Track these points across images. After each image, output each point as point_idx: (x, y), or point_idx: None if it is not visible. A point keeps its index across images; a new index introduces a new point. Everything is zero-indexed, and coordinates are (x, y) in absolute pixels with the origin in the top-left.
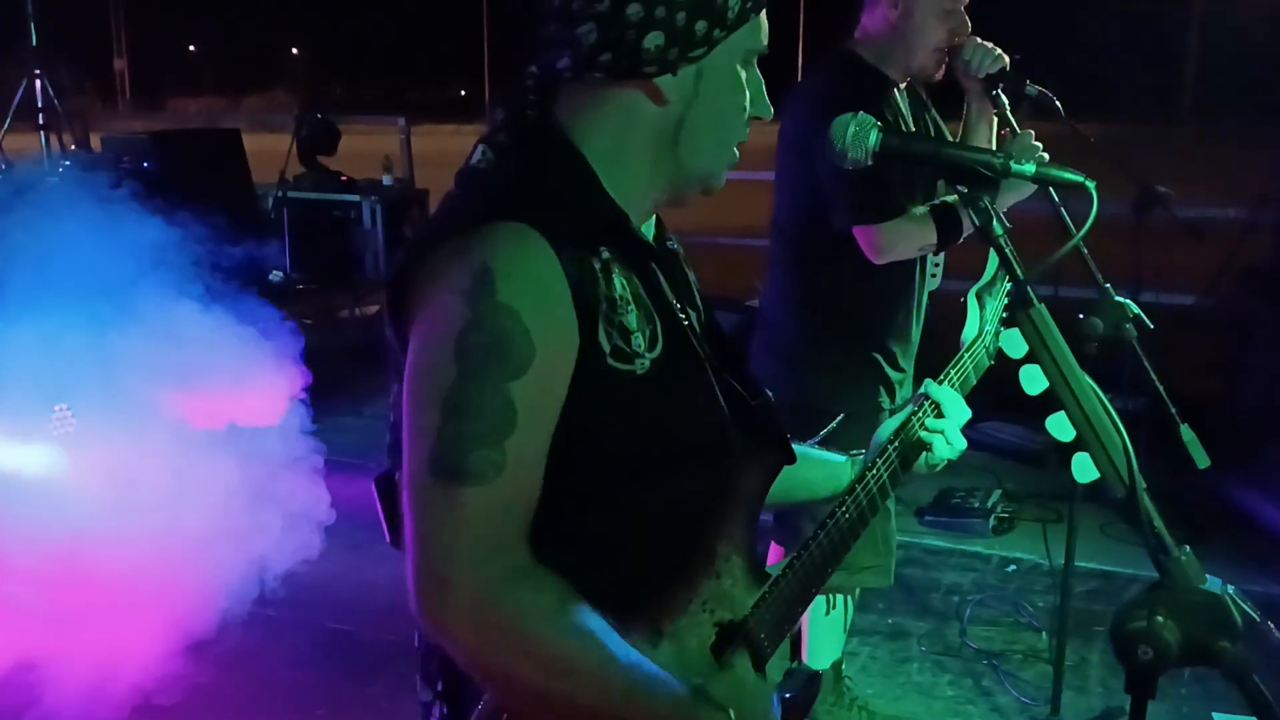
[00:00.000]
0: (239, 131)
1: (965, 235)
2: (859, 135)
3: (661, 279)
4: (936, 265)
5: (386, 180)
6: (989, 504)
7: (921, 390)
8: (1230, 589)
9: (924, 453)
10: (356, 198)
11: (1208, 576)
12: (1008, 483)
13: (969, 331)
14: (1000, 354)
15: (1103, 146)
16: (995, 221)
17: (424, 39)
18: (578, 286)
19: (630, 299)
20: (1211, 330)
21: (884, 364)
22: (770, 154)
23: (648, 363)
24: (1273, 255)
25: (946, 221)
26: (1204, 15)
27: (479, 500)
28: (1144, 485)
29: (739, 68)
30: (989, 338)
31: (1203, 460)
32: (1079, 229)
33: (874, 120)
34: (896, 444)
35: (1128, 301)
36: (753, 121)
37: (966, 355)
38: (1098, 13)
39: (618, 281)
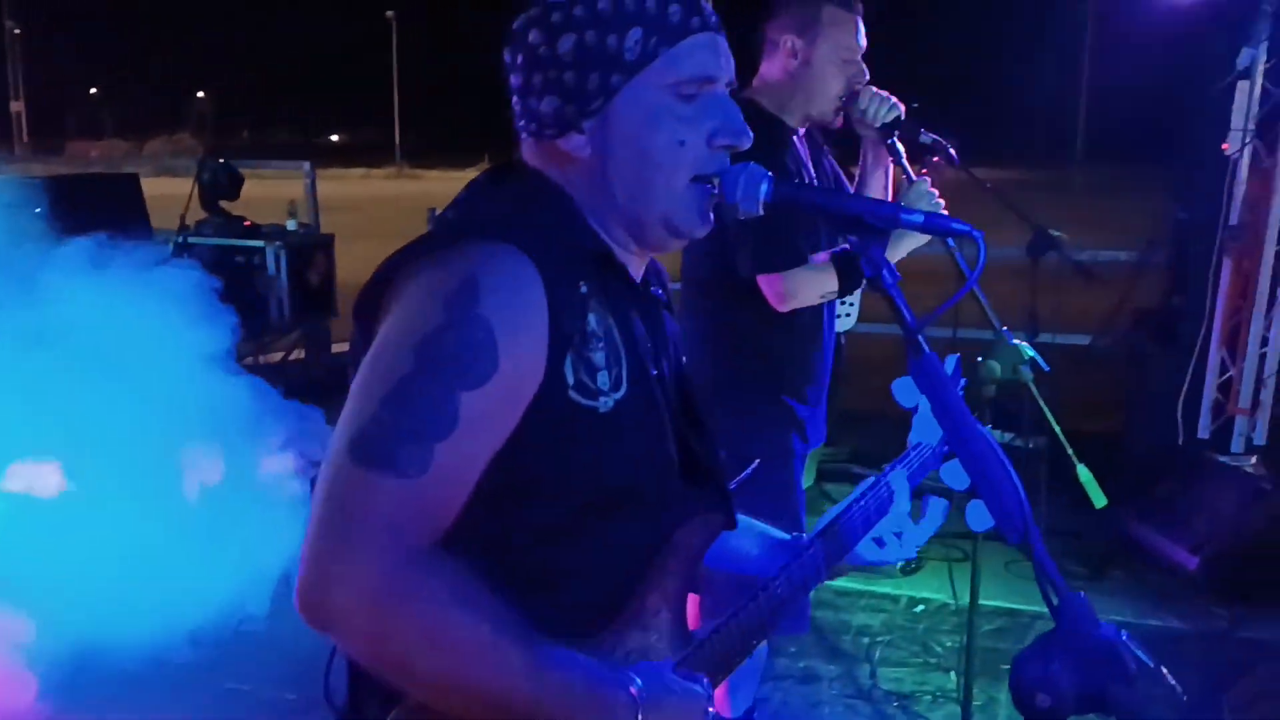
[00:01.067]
0: (137, 176)
1: (864, 284)
2: (749, 187)
3: (638, 323)
4: (850, 305)
5: (291, 225)
6: None
7: (876, 477)
8: (1124, 634)
9: (868, 538)
10: (260, 243)
11: (1102, 622)
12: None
13: (916, 433)
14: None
15: (998, 192)
16: (886, 271)
17: (335, 83)
18: (555, 315)
19: (602, 336)
20: (1106, 369)
21: (795, 405)
22: None
23: (610, 402)
24: (1162, 296)
25: (847, 268)
26: (1093, 66)
27: (394, 492)
28: (1038, 533)
29: (671, 102)
30: (935, 439)
31: (1099, 500)
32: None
33: (764, 171)
34: (840, 521)
35: (1024, 345)
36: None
37: (915, 454)
38: (992, 63)
39: (593, 317)
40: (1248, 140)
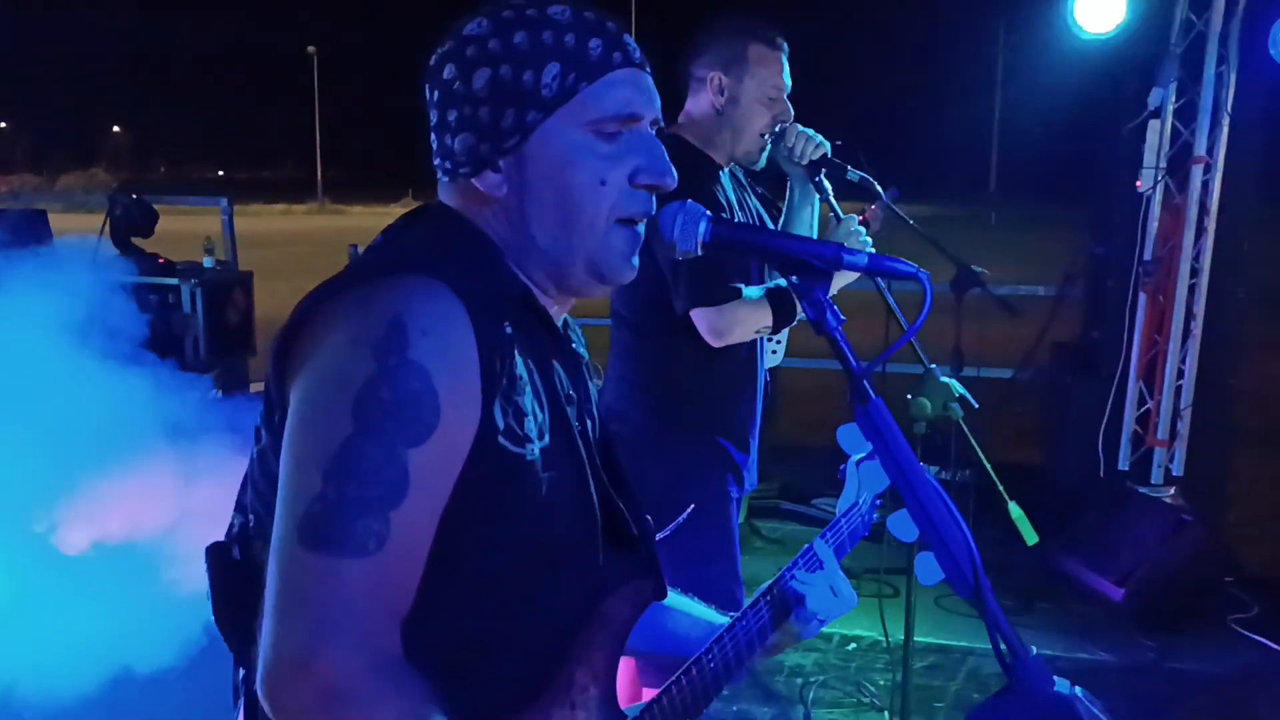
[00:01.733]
0: (44, 212)
1: (800, 317)
2: (687, 225)
3: (561, 373)
4: (778, 342)
5: (208, 263)
6: None
7: (805, 548)
8: (1079, 690)
9: (797, 607)
10: (175, 281)
11: (1055, 679)
12: (844, 560)
13: (845, 499)
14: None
15: (922, 230)
16: (829, 313)
17: (255, 119)
18: (486, 355)
19: (528, 381)
20: (1027, 401)
21: (730, 449)
22: None
23: (536, 451)
24: (1080, 329)
25: (781, 303)
26: (1005, 106)
27: (355, 574)
28: (989, 586)
29: (591, 140)
30: (865, 507)
31: (1031, 537)
32: (902, 307)
33: (702, 210)
34: (769, 596)
35: (953, 381)
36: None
37: (844, 521)
38: (906, 100)
39: (519, 361)
40: (1160, 178)
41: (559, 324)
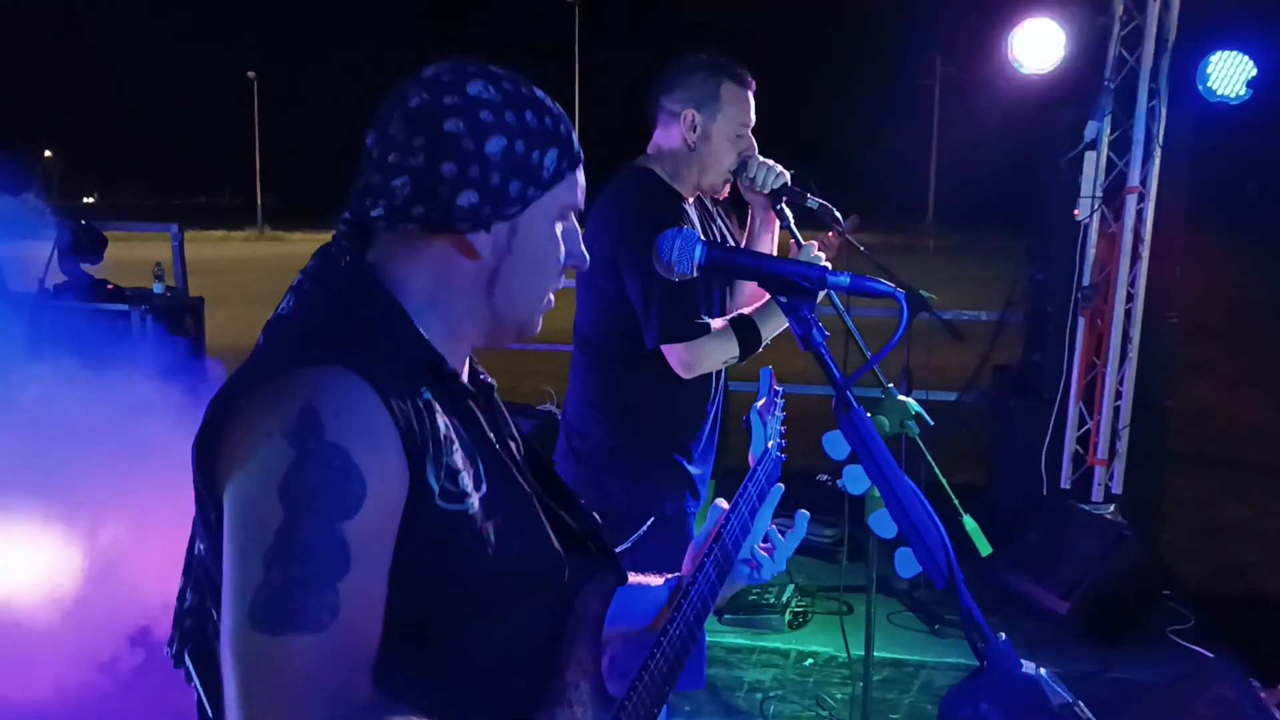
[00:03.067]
0: None
1: (764, 345)
2: (684, 250)
3: (480, 417)
4: (736, 360)
5: (158, 289)
6: (783, 599)
7: (722, 505)
8: (1044, 671)
9: (740, 564)
10: (125, 307)
11: (1022, 660)
12: (800, 578)
13: (756, 447)
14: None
15: (872, 256)
16: (815, 330)
17: (192, 144)
18: (404, 426)
19: (455, 438)
20: (973, 423)
21: (686, 465)
22: None
23: (475, 502)
24: (1022, 353)
25: (747, 334)
26: (942, 139)
27: (312, 649)
28: (963, 578)
29: (555, 222)
30: (775, 451)
31: (985, 548)
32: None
33: (698, 236)
34: (712, 557)
35: (909, 400)
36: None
37: (760, 469)
38: (844, 131)
39: (441, 421)
40: (1096, 207)
41: (464, 367)
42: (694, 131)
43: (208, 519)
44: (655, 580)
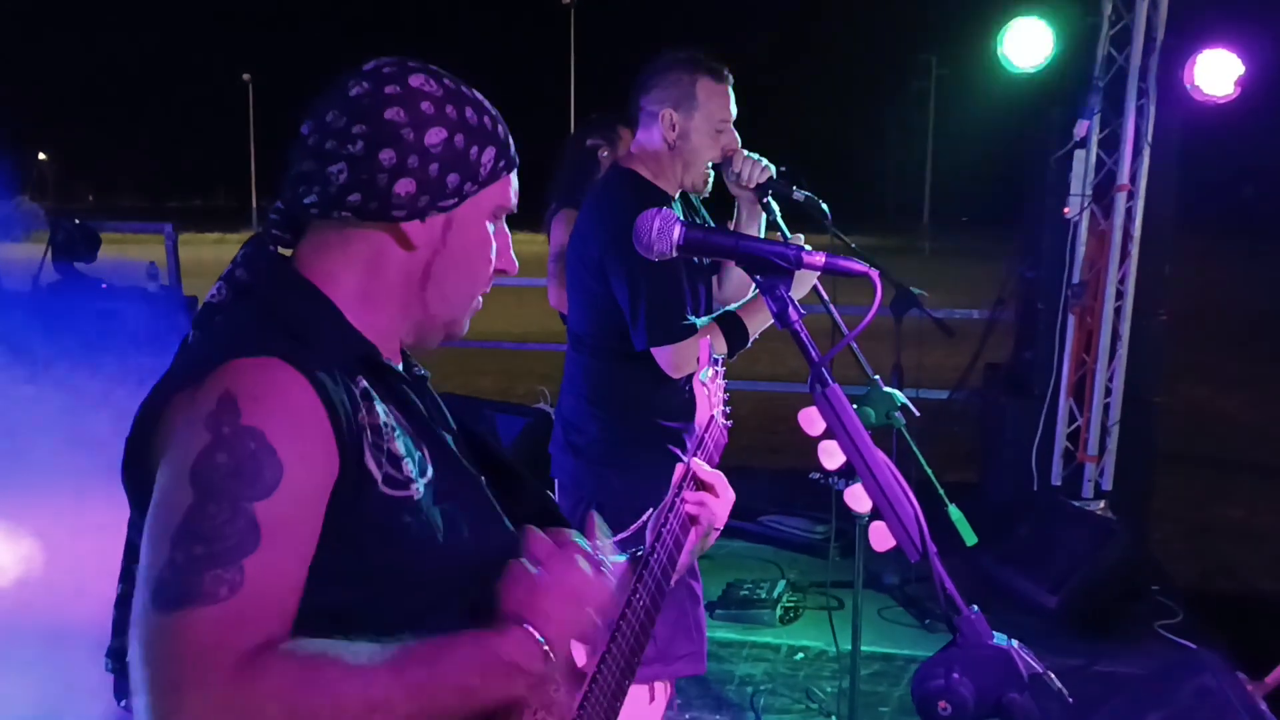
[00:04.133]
0: None
1: (752, 340)
2: (663, 230)
3: (420, 405)
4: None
5: (152, 289)
6: (774, 594)
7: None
8: (1014, 643)
9: (693, 529)
10: (118, 306)
11: (995, 633)
12: (791, 573)
13: (700, 414)
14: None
15: (862, 252)
16: (791, 308)
17: (186, 146)
18: (334, 412)
19: (395, 426)
20: (963, 421)
21: (682, 455)
22: (538, 263)
23: (421, 488)
24: (1012, 351)
25: (734, 330)
26: (936, 140)
27: (207, 620)
28: (935, 550)
29: (488, 221)
30: (720, 418)
31: (970, 538)
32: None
33: (676, 216)
34: (668, 523)
35: (895, 392)
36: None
37: (706, 436)
38: (839, 135)
39: (379, 409)
40: (1086, 205)
41: (398, 359)
42: (673, 130)
43: (136, 526)
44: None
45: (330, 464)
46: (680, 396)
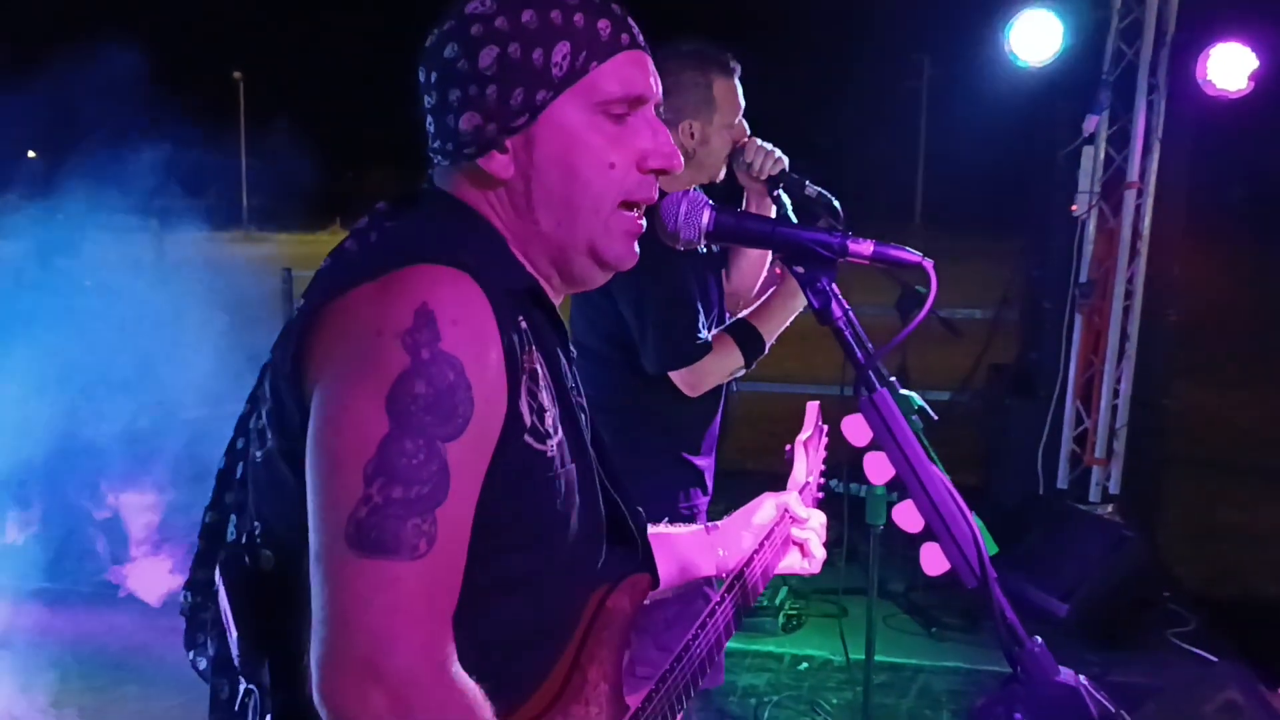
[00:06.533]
0: None
1: (769, 346)
2: (691, 214)
3: (565, 365)
4: None
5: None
6: (777, 602)
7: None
8: (1083, 679)
9: (791, 554)
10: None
11: (1061, 668)
12: (792, 580)
13: (796, 478)
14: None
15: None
16: (834, 303)
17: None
18: (509, 348)
19: (542, 375)
20: (968, 423)
21: (694, 460)
22: None
23: (554, 445)
24: (1017, 352)
25: (748, 340)
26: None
27: (411, 576)
28: (995, 577)
29: (600, 121)
30: (814, 482)
31: (992, 547)
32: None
33: (705, 199)
34: (743, 575)
35: (913, 394)
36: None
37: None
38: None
39: (536, 354)
40: (1094, 202)
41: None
42: (693, 139)
43: (285, 419)
44: (697, 527)
45: (502, 407)
46: (692, 404)
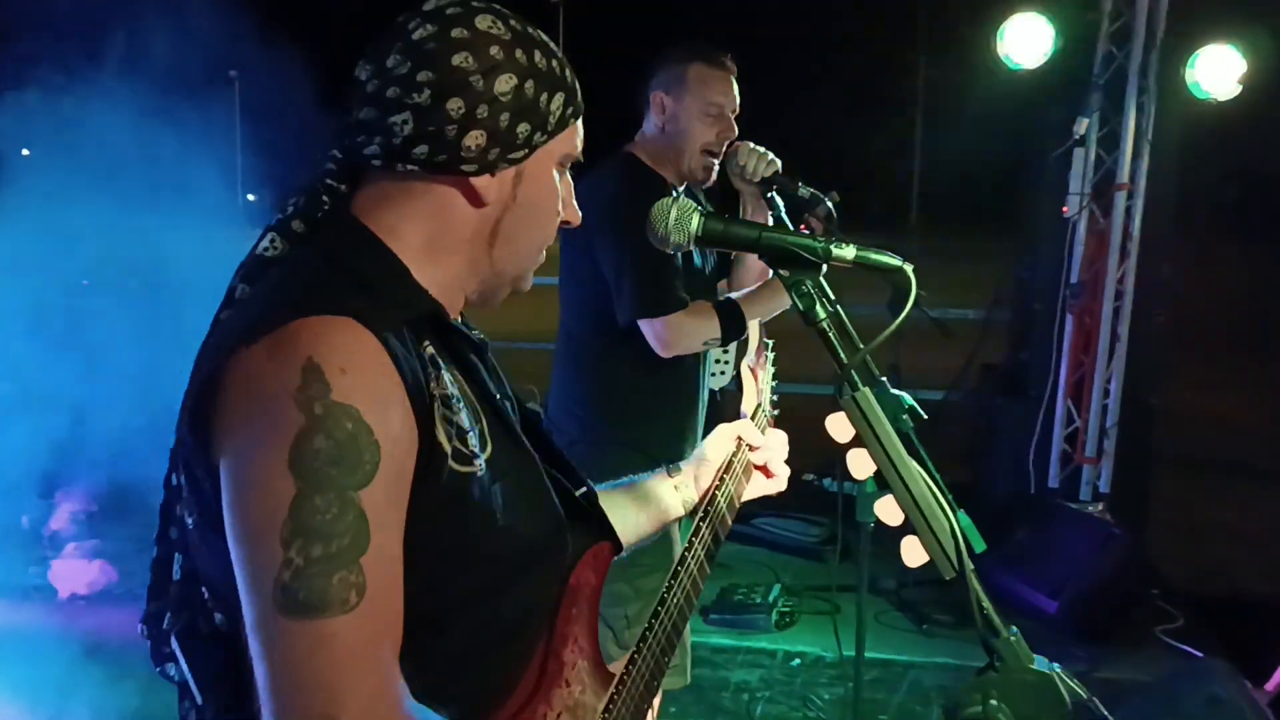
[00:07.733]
0: None
1: (746, 335)
2: (681, 219)
3: (480, 370)
4: (725, 363)
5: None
6: (770, 599)
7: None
8: (1057, 667)
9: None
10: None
11: (1035, 656)
12: (786, 577)
13: (747, 403)
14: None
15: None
16: (818, 305)
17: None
18: (411, 382)
19: (459, 396)
20: (959, 423)
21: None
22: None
23: (483, 464)
24: (1008, 352)
25: (730, 317)
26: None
27: (348, 630)
28: (972, 567)
29: (556, 173)
30: (767, 403)
31: (979, 545)
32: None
33: (694, 205)
34: (708, 517)
35: (903, 394)
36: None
37: (761, 416)
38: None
39: (446, 376)
40: (1084, 204)
41: (460, 322)
42: (663, 113)
43: (200, 491)
44: (644, 476)
45: (412, 440)
46: (668, 397)
